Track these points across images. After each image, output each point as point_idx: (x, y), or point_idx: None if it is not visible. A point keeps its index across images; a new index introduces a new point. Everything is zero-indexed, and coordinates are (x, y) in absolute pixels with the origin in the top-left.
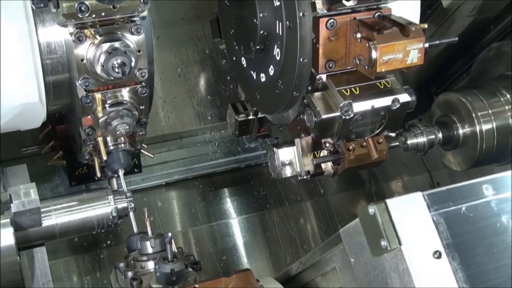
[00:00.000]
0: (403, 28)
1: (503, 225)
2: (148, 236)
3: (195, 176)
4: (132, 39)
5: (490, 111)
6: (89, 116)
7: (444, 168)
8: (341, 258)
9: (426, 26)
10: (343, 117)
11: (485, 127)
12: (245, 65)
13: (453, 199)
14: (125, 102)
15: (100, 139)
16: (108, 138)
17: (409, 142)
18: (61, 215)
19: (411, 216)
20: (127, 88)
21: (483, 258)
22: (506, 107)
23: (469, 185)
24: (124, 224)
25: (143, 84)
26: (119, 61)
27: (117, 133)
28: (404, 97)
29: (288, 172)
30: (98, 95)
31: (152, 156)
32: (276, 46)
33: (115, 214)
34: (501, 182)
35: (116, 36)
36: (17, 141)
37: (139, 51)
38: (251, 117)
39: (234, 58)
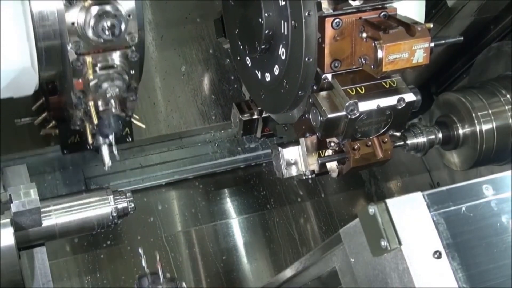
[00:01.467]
0: (408, 28)
1: (503, 225)
2: (159, 281)
3: (195, 176)
4: (122, 3)
5: (490, 111)
6: (80, 80)
7: (444, 168)
8: (341, 258)
9: (431, 25)
10: (349, 116)
11: (485, 127)
12: (249, 65)
13: (453, 199)
14: (115, 66)
15: (91, 103)
16: (99, 103)
17: (409, 142)
18: (61, 215)
19: (411, 216)
20: (118, 52)
21: (483, 258)
22: (506, 107)
23: (469, 185)
24: (124, 224)
25: (133, 48)
26: (109, 23)
27: (108, 95)
28: (410, 97)
29: (293, 171)
30: (88, 58)
31: (143, 126)
32: (281, 45)
33: (115, 214)
34: (501, 182)
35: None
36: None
37: (129, 16)
38: (255, 116)
39: (238, 58)
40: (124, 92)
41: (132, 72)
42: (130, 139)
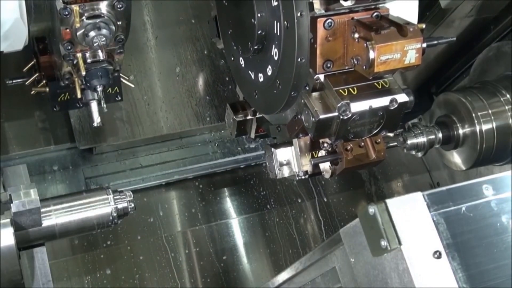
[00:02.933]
0: (401, 28)
1: (503, 225)
2: None
3: (195, 176)
4: None
5: (490, 111)
6: (67, 29)
7: (444, 168)
8: (341, 258)
9: (424, 26)
10: (341, 117)
11: (485, 127)
12: (243, 65)
13: (453, 199)
14: (102, 15)
15: (79, 55)
16: (87, 54)
17: (409, 142)
18: (61, 215)
19: (411, 216)
20: (105, 2)
21: (483, 258)
22: (506, 107)
23: (469, 185)
24: (124, 224)
25: None
26: None
27: (95, 44)
28: (402, 97)
29: (286, 172)
30: (75, 7)
31: (133, 85)
32: (274, 46)
33: (115, 214)
34: (501, 182)
35: None
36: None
37: None
38: (249, 117)
39: (232, 58)
40: (111, 43)
41: (119, 23)
42: (120, 98)
